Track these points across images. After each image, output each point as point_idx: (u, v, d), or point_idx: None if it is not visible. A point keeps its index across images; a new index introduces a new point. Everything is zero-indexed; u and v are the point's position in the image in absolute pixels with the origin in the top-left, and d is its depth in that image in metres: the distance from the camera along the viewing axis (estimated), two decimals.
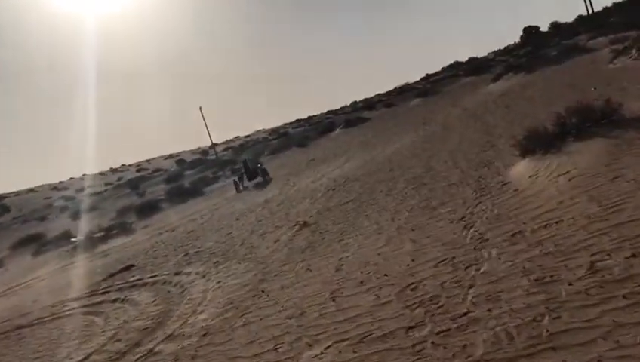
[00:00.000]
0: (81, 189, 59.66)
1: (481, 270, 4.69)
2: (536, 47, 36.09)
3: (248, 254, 9.58)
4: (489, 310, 3.93)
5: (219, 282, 8.23)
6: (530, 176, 6.99)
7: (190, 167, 51.93)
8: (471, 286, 4.45)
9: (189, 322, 6.65)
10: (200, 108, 52.45)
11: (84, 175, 75.18)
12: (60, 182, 78.28)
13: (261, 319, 5.77)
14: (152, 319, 7.42)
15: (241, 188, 22.35)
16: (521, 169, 7.76)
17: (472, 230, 5.89)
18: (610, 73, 14.10)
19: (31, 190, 74.16)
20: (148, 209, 26.46)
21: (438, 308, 4.30)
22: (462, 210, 6.89)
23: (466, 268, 4.89)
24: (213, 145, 57.76)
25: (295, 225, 10.41)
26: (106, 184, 61.10)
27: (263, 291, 6.83)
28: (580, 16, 49.29)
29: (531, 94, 16.86)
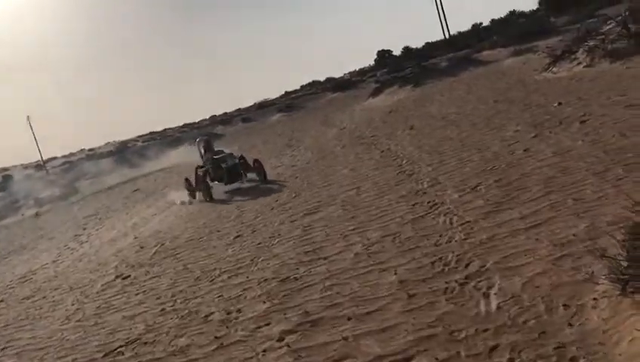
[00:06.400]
0: None
1: None
2: (393, 69, 35.71)
3: None
4: None
5: None
6: None
7: (6, 187, 40.83)
8: None
9: None
10: (28, 118, 45.39)
11: None
12: None
13: None
14: None
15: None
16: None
17: None
18: (563, 84, 9.84)
19: None
20: None
21: None
22: None
23: None
24: (43, 162, 49.04)
25: None
26: None
27: None
28: (428, 43, 51.92)
29: (440, 111, 12.19)
